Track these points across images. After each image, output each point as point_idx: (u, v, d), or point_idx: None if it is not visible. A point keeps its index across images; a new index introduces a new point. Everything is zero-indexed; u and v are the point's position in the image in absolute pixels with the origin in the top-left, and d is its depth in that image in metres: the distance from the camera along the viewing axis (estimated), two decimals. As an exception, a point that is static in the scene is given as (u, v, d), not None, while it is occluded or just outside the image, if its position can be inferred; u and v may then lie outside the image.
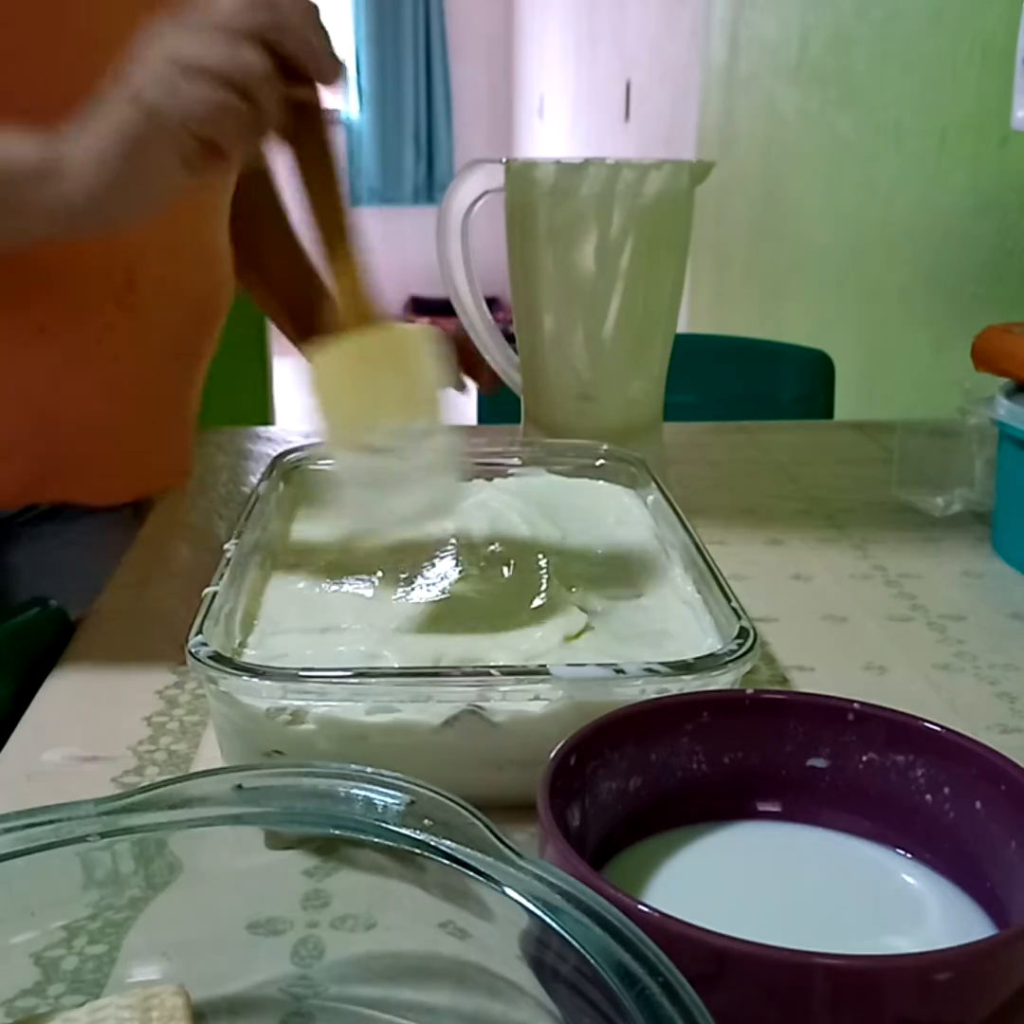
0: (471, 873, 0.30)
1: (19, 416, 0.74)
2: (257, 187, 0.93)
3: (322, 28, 0.50)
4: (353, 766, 0.33)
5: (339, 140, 5.14)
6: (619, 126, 3.18)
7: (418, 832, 0.31)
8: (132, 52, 0.51)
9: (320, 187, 0.53)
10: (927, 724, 0.40)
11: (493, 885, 0.30)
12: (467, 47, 5.26)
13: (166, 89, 0.49)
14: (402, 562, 0.59)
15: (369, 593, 0.55)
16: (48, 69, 0.64)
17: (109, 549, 0.76)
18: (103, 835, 0.32)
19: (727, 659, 0.44)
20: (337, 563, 0.59)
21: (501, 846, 0.30)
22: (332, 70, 0.51)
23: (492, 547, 0.61)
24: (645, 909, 0.30)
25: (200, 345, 0.85)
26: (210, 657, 0.43)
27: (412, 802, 0.32)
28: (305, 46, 0.50)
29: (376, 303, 0.53)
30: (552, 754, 0.37)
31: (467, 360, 0.87)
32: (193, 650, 0.44)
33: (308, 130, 0.52)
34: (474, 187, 0.80)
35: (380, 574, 0.57)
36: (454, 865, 0.30)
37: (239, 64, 0.49)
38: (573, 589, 0.55)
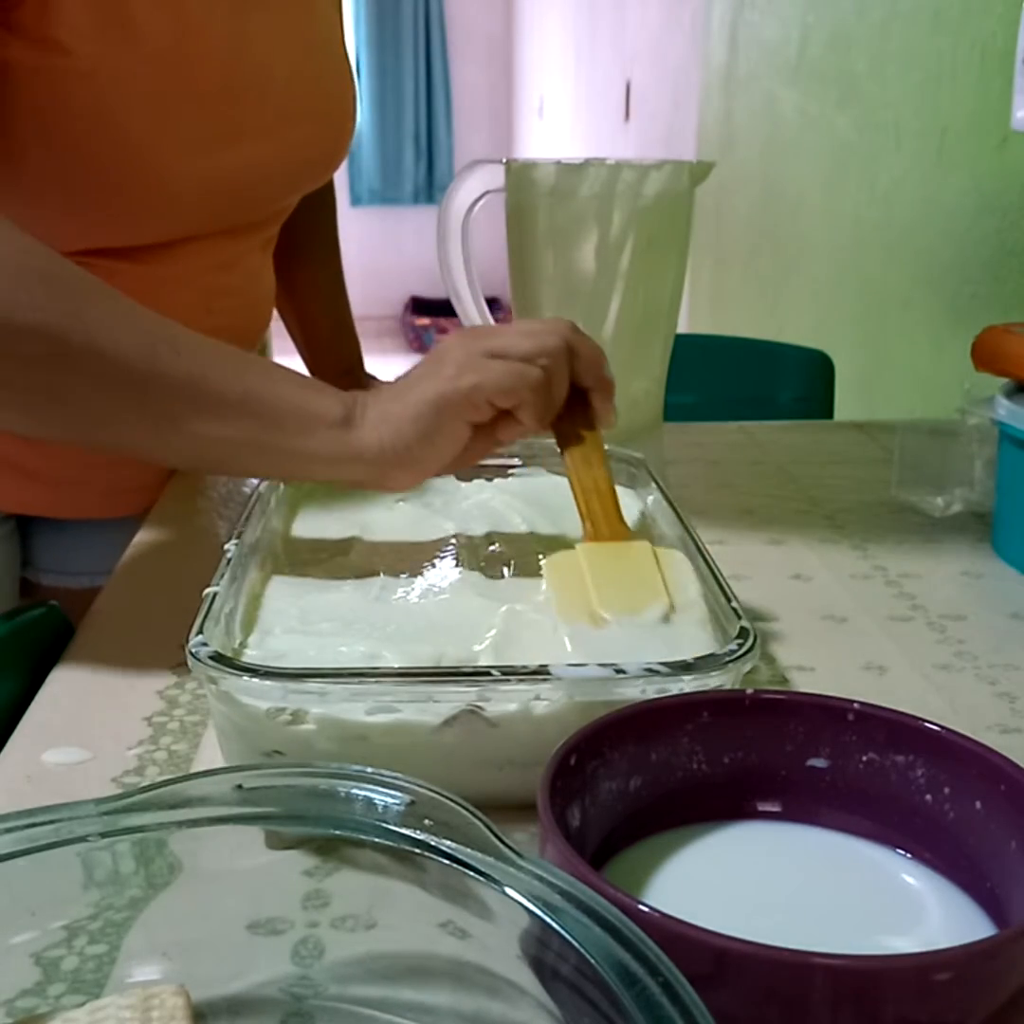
0: (471, 873, 0.30)
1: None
2: (315, 223, 0.95)
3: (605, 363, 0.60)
4: (353, 766, 0.33)
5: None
6: (619, 126, 3.18)
7: (418, 832, 0.31)
8: (429, 353, 0.59)
9: (579, 449, 0.60)
10: (927, 724, 0.40)
11: (493, 885, 0.30)
12: (467, 47, 5.26)
13: (477, 366, 0.55)
14: (402, 562, 0.59)
15: (369, 593, 0.55)
16: (225, 105, 0.69)
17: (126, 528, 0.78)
18: (103, 835, 0.32)
19: (727, 659, 0.44)
20: (337, 563, 0.59)
21: (501, 846, 0.30)
22: (609, 390, 0.60)
23: (492, 547, 0.61)
24: (645, 909, 0.30)
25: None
26: (210, 657, 0.43)
27: (412, 802, 0.32)
28: (594, 366, 0.59)
29: (625, 525, 0.59)
30: (552, 754, 0.37)
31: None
32: (193, 650, 0.44)
33: (577, 419, 0.60)
34: (474, 187, 0.80)
35: (380, 574, 0.57)
36: (454, 865, 0.30)
37: (542, 347, 0.56)
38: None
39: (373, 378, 1.00)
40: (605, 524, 0.58)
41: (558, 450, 0.60)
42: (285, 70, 0.74)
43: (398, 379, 0.59)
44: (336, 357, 1.00)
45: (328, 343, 1.01)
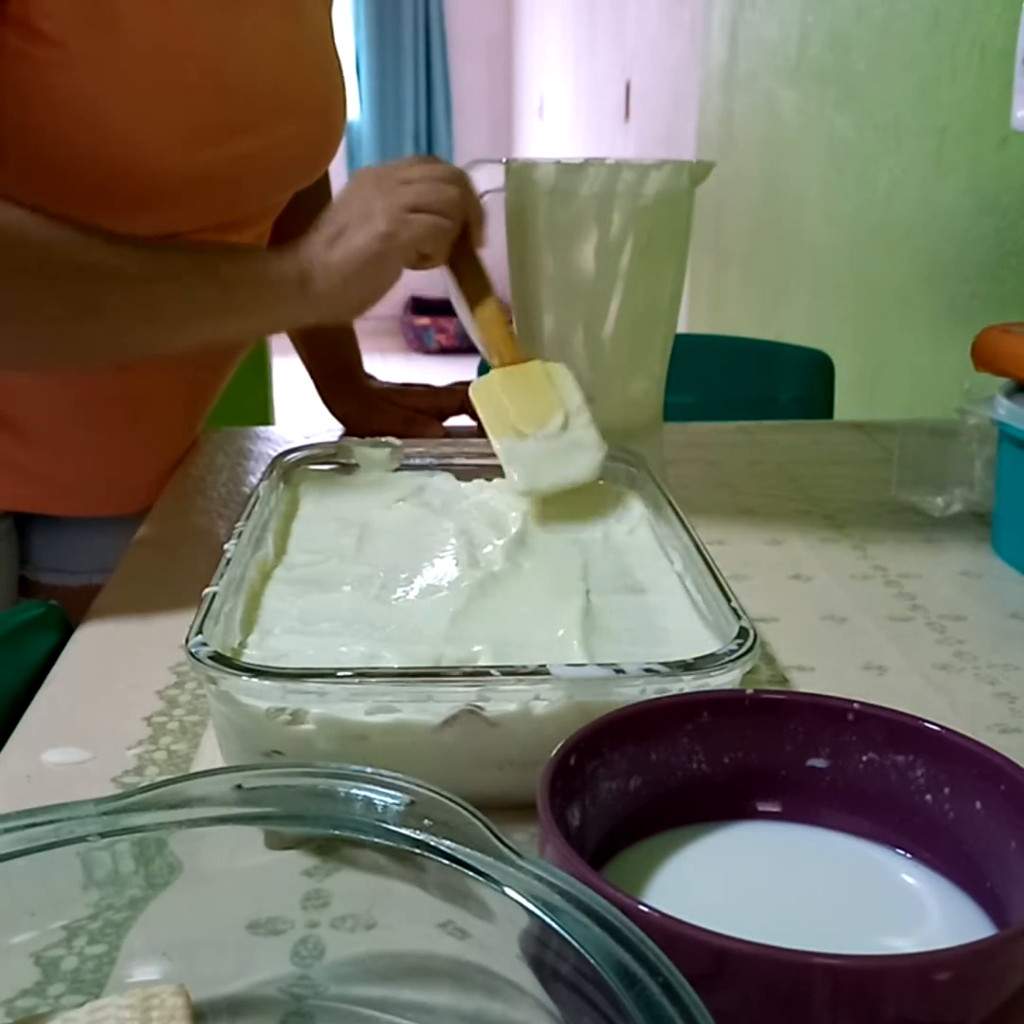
0: (471, 873, 0.30)
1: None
2: (309, 219, 0.96)
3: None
4: (353, 766, 0.33)
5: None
6: (619, 126, 3.18)
7: (418, 832, 0.31)
8: (346, 189, 0.72)
9: (471, 277, 0.75)
10: (927, 724, 0.40)
11: (493, 885, 0.30)
12: (467, 47, 5.26)
13: (401, 223, 0.69)
14: (402, 562, 0.59)
15: (369, 593, 0.55)
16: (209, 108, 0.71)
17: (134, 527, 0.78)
18: (103, 835, 0.32)
19: (727, 659, 0.44)
20: (337, 563, 0.59)
21: (501, 846, 0.30)
22: (482, 218, 0.75)
23: (488, 548, 0.61)
24: (645, 909, 0.30)
25: (222, 367, 0.90)
26: (210, 657, 0.43)
27: (412, 802, 0.32)
28: (474, 202, 0.74)
29: (520, 347, 0.73)
30: (552, 754, 0.37)
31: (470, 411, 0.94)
32: (193, 650, 0.44)
33: (464, 247, 0.74)
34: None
35: (381, 574, 0.57)
36: (454, 865, 0.30)
37: (445, 198, 0.71)
38: (573, 589, 0.55)
39: (371, 377, 1.00)
40: (507, 350, 0.73)
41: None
42: (271, 68, 0.74)
43: (325, 219, 0.71)
44: (333, 354, 1.01)
45: (325, 340, 1.00)
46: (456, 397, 0.95)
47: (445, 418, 0.95)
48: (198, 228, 0.74)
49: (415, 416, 0.94)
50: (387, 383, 1.00)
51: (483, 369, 1.20)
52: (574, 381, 0.69)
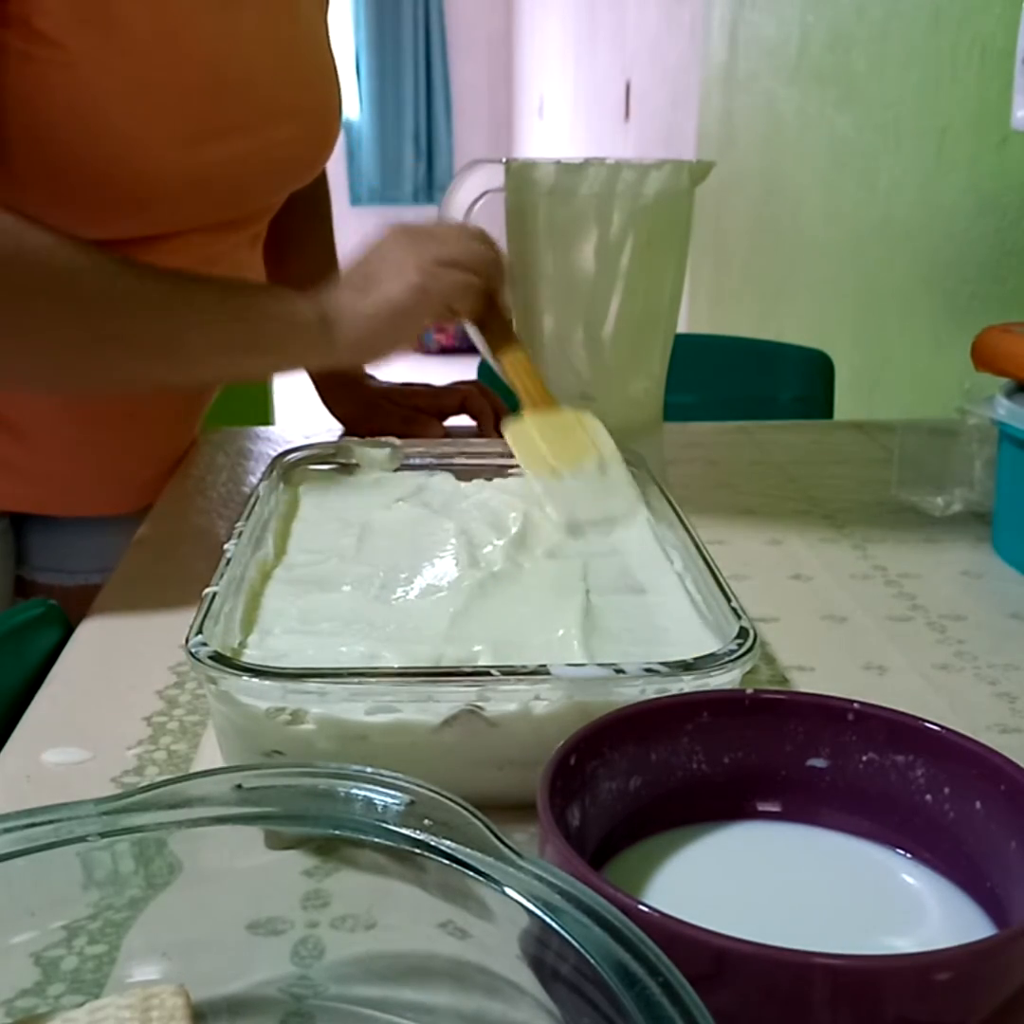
0: (471, 873, 0.30)
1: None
2: (307, 218, 0.96)
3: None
4: (353, 766, 0.33)
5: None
6: (619, 126, 3.18)
7: (418, 832, 0.31)
8: (377, 242, 0.73)
9: (498, 331, 0.75)
10: (927, 724, 0.40)
11: (493, 885, 0.30)
12: (467, 47, 5.26)
13: (433, 277, 0.69)
14: (402, 562, 0.59)
15: (369, 593, 0.55)
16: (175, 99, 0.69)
17: (133, 527, 0.78)
18: (103, 835, 0.32)
19: (727, 659, 0.44)
20: (337, 563, 0.59)
21: (501, 846, 0.30)
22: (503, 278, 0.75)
23: (488, 548, 0.61)
24: (645, 909, 0.30)
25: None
26: (210, 657, 0.43)
27: (412, 802, 0.32)
28: (501, 266, 0.74)
29: (551, 395, 0.73)
30: (552, 754, 0.37)
31: (472, 409, 0.96)
32: (193, 650, 0.44)
33: (491, 304, 0.75)
34: (474, 187, 0.80)
35: (381, 574, 0.57)
36: (454, 865, 0.30)
37: (481, 258, 0.72)
38: (573, 589, 0.55)
39: (371, 377, 1.00)
40: (539, 397, 0.72)
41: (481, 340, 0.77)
42: (269, 68, 0.74)
43: (354, 269, 0.71)
44: None
45: None
46: (456, 396, 0.95)
47: (445, 417, 0.95)
48: (196, 227, 0.74)
49: (415, 416, 0.94)
50: (387, 383, 1.00)
51: (483, 369, 1.20)
52: (605, 430, 0.69)
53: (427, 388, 0.98)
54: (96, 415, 0.80)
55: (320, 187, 0.98)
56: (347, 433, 0.96)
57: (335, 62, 0.84)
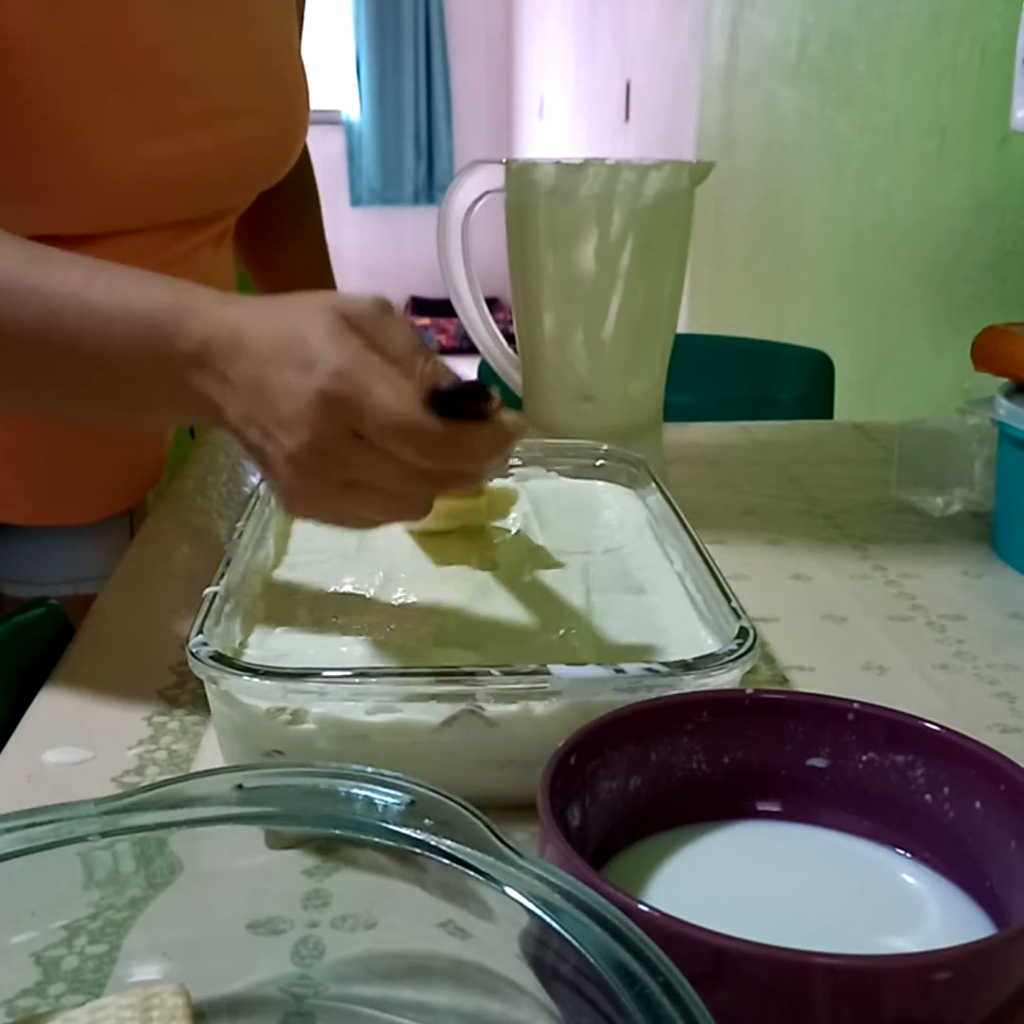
0: (471, 873, 0.30)
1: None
2: (290, 211, 0.94)
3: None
4: (353, 766, 0.33)
5: (342, 144, 5.15)
6: (619, 126, 3.18)
7: (418, 832, 0.31)
8: (302, 339, 0.44)
9: None
10: (927, 724, 0.40)
11: (493, 885, 0.30)
12: (467, 47, 5.26)
13: (323, 502, 0.46)
14: (402, 561, 0.59)
15: (370, 593, 0.55)
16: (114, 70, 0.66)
17: (100, 538, 0.76)
18: (103, 835, 0.32)
19: (727, 659, 0.44)
20: (338, 563, 0.59)
21: (501, 846, 0.30)
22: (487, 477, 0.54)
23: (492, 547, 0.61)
24: (645, 909, 0.30)
25: None
26: (210, 657, 0.43)
27: (412, 802, 0.32)
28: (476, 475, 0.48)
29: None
30: (552, 754, 0.37)
31: None
32: (193, 650, 0.44)
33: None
34: (474, 187, 0.80)
35: (381, 574, 0.57)
36: (454, 865, 0.30)
37: (407, 511, 0.48)
38: (573, 589, 0.55)
39: None
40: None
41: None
42: (224, 66, 0.73)
43: (275, 338, 0.45)
44: None
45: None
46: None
47: None
48: (153, 225, 0.72)
49: None
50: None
51: (483, 369, 1.19)
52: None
53: None
54: (51, 423, 0.74)
55: (304, 187, 0.96)
56: None
57: (303, 65, 0.83)
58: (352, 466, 0.44)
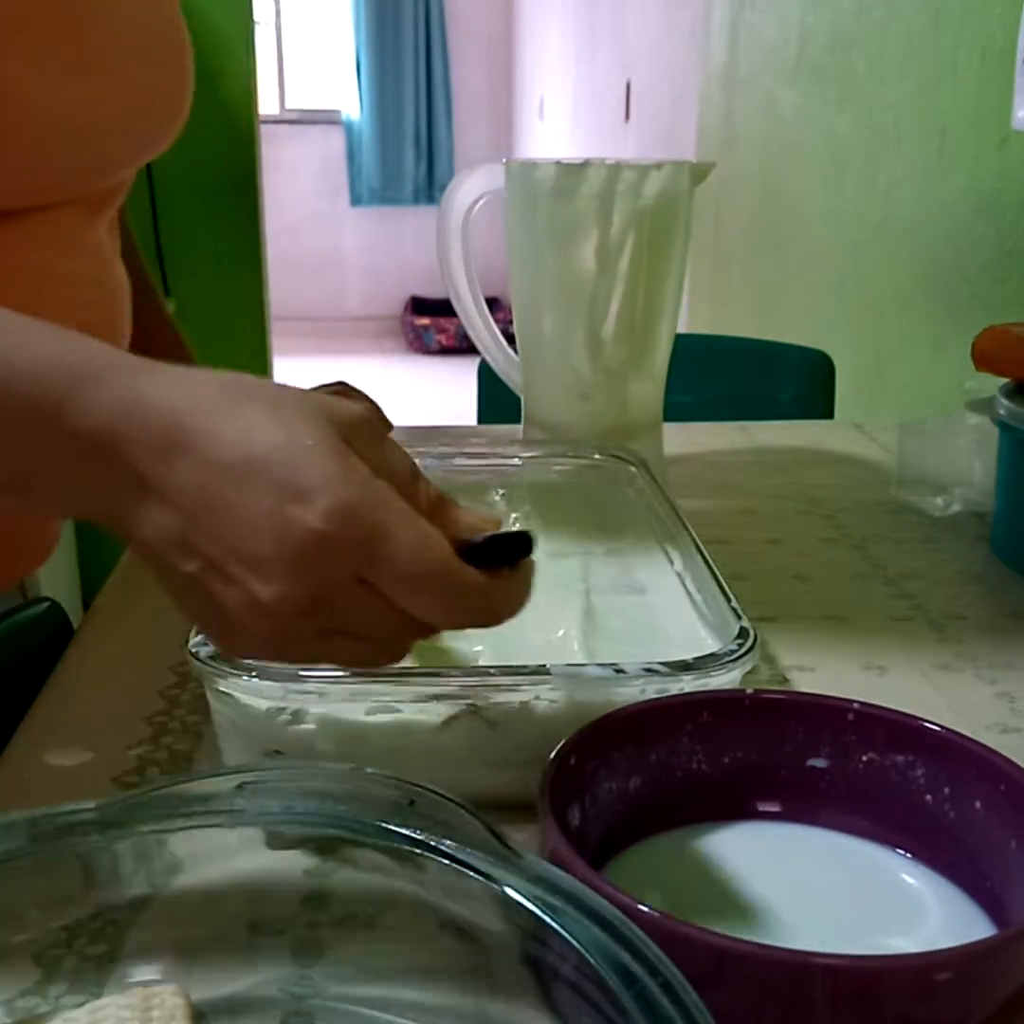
0: (471, 873, 0.30)
1: None
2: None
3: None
4: (353, 766, 0.33)
5: (343, 144, 5.14)
6: (619, 126, 3.18)
7: (418, 832, 0.31)
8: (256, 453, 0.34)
9: None
10: (927, 724, 0.40)
11: (493, 885, 0.30)
12: (467, 47, 5.26)
13: (287, 650, 0.37)
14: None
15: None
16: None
17: None
18: (103, 835, 0.32)
19: (727, 659, 0.44)
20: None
21: (501, 846, 0.30)
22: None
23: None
24: (645, 909, 0.30)
25: None
26: (210, 657, 0.43)
27: (412, 802, 0.32)
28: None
29: None
30: (552, 754, 0.37)
31: None
32: (193, 650, 0.44)
33: None
34: (474, 187, 0.80)
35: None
36: (454, 865, 0.30)
37: (384, 659, 0.39)
38: (573, 589, 0.55)
39: None
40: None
41: None
42: (127, 7, 0.71)
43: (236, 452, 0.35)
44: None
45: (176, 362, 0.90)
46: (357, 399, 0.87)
47: None
48: (64, 200, 0.69)
49: None
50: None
51: (483, 369, 1.20)
52: None
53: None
54: None
55: (141, 270, 0.88)
56: None
57: (183, 20, 0.80)
58: (340, 614, 0.36)
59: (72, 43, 0.67)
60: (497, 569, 0.36)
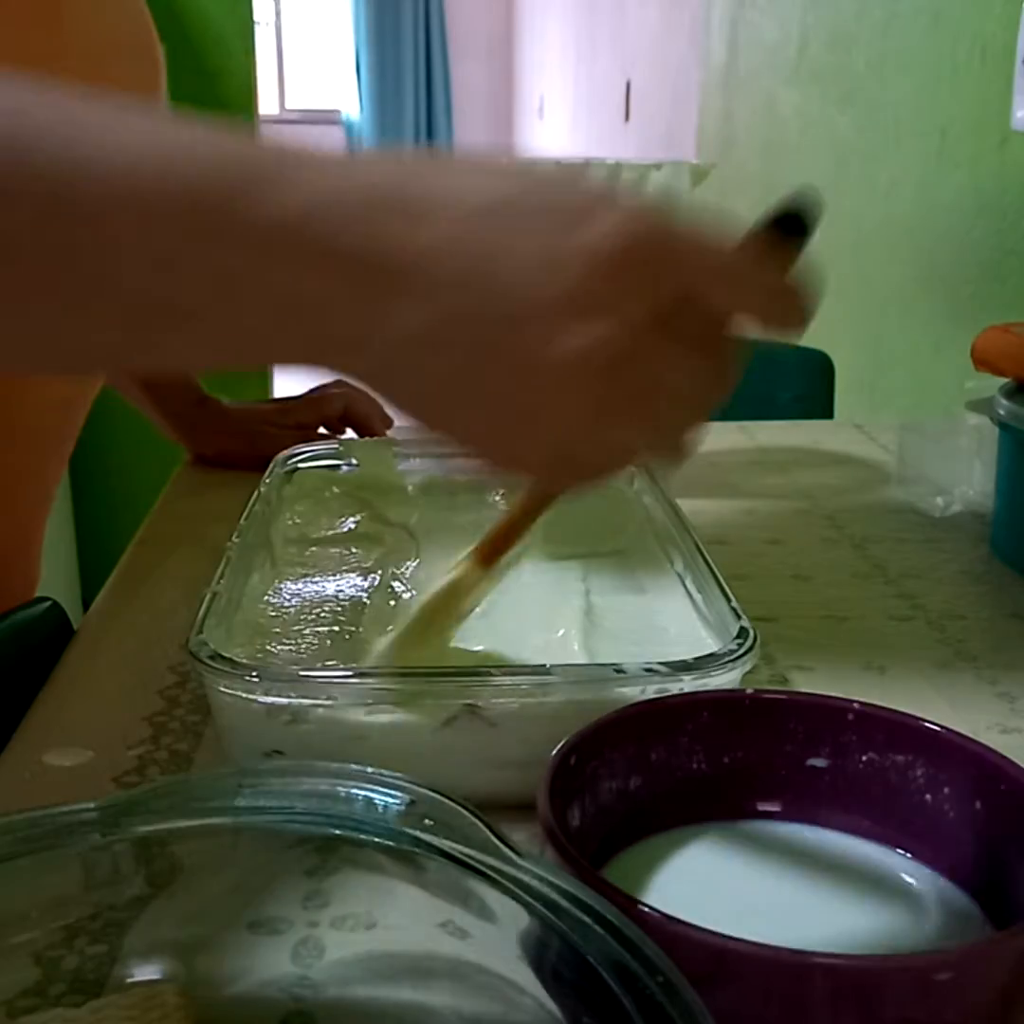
0: (471, 873, 0.30)
1: None
2: None
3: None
4: (353, 766, 0.33)
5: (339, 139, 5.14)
6: (619, 126, 3.18)
7: (418, 832, 0.31)
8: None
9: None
10: (927, 724, 0.40)
11: (493, 885, 0.30)
12: (467, 47, 5.26)
13: (614, 428, 0.33)
14: (404, 562, 0.59)
15: (370, 592, 0.55)
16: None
17: None
18: (103, 835, 0.32)
19: (727, 659, 0.44)
20: (338, 563, 0.59)
21: (501, 846, 0.30)
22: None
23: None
24: (645, 909, 0.30)
25: (61, 439, 0.72)
26: (211, 657, 0.43)
27: (412, 802, 0.32)
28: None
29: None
30: (552, 754, 0.37)
31: (358, 413, 0.87)
32: (194, 650, 0.44)
33: None
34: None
35: (381, 573, 0.57)
36: (454, 865, 0.30)
37: (679, 432, 0.37)
38: (573, 589, 0.55)
39: (217, 401, 0.90)
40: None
41: None
42: (98, 3, 0.70)
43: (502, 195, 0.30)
44: (183, 387, 0.89)
45: (177, 394, 0.88)
46: (337, 402, 0.88)
47: (330, 426, 0.89)
48: None
49: (306, 434, 0.85)
50: (249, 405, 0.90)
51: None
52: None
53: (301, 400, 0.90)
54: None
55: None
56: (227, 465, 0.87)
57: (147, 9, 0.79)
58: (655, 359, 0.32)
59: (43, 33, 0.66)
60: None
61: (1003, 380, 0.73)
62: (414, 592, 0.55)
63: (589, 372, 0.30)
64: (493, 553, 0.47)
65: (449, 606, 0.48)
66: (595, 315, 0.29)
